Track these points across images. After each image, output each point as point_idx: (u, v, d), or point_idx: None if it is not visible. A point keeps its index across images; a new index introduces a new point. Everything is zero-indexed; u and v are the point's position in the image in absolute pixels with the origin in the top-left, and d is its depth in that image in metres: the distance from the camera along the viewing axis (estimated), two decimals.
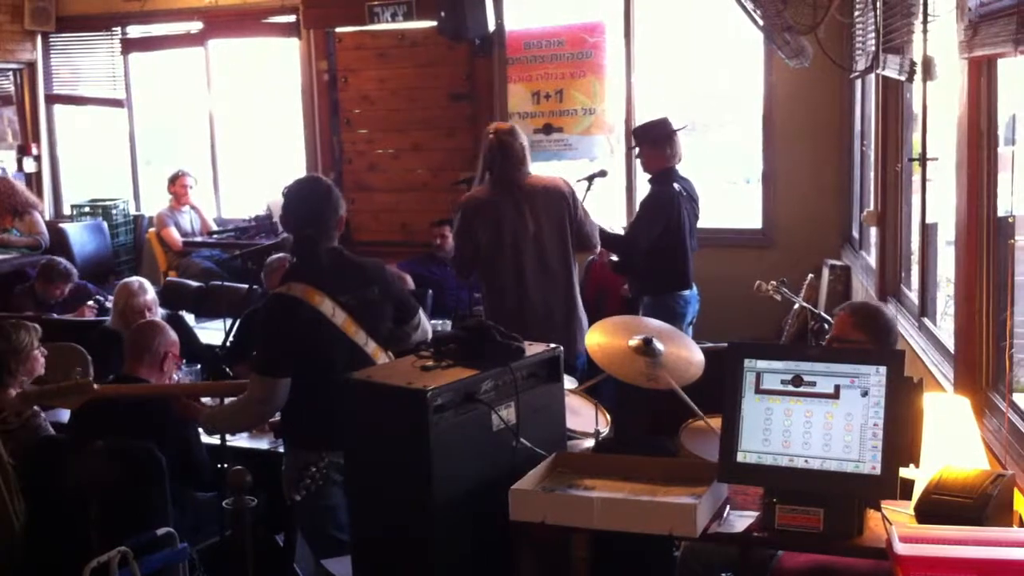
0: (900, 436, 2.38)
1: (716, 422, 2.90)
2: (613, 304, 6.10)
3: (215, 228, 8.78)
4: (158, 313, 5.32)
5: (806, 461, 2.43)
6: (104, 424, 3.78)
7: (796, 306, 5.38)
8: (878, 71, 4.50)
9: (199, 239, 8.56)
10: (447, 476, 2.57)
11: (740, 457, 2.49)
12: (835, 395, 2.43)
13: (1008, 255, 3.12)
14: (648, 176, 5.51)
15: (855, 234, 6.44)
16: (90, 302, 6.54)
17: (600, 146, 7.49)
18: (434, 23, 7.25)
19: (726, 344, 2.70)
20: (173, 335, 4.22)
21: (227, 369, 4.65)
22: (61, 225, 8.92)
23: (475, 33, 7.17)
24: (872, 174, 5.50)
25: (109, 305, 5.86)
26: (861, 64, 5.02)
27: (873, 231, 5.39)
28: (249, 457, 4.00)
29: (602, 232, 5.03)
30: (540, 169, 4.76)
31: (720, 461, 2.52)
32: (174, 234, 8.44)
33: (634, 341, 3.61)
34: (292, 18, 8.33)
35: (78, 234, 8.80)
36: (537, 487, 2.64)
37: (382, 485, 2.68)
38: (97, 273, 8.34)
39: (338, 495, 3.32)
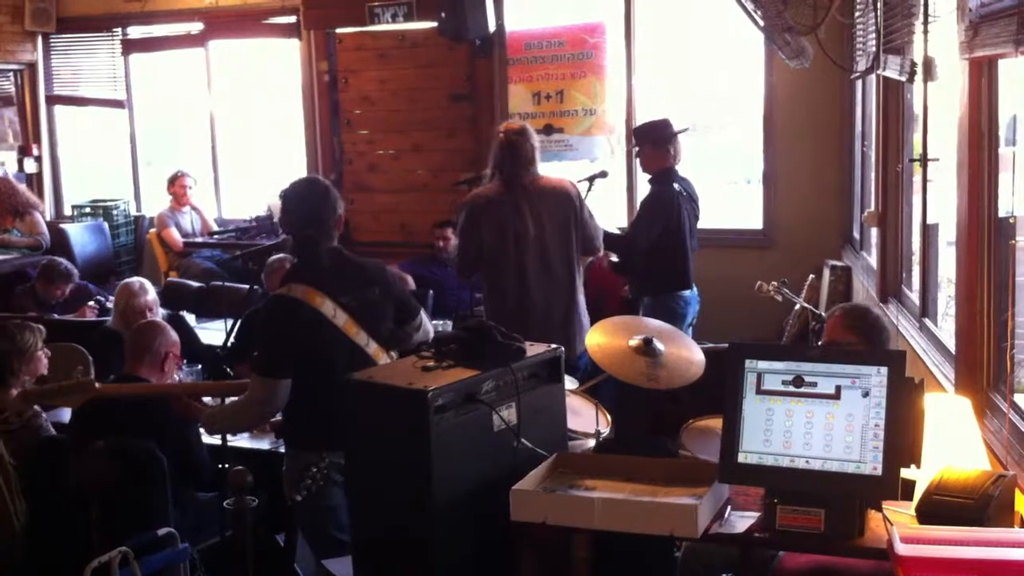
0: (901, 437, 2.38)
1: (717, 422, 2.90)
2: (613, 305, 6.09)
3: (216, 229, 8.78)
4: (159, 313, 5.32)
5: (807, 462, 2.43)
6: (105, 424, 3.78)
7: (797, 307, 5.37)
8: (879, 72, 4.50)
9: (200, 239, 8.57)
10: (448, 476, 2.57)
11: (741, 458, 2.49)
12: (836, 396, 2.44)
13: (1009, 256, 3.12)
14: (648, 176, 5.52)
15: (856, 235, 6.43)
16: (91, 302, 6.55)
17: (601, 147, 7.49)
18: (434, 24, 7.25)
19: (727, 344, 2.70)
20: (174, 335, 4.22)
21: (228, 369, 4.65)
22: (62, 226, 8.92)
23: (475, 34, 7.17)
24: (873, 175, 5.50)
25: (110, 305, 5.86)
26: (862, 65, 5.01)
27: (874, 232, 5.39)
28: (250, 457, 4.00)
29: (603, 233, 5.03)
30: (540, 170, 4.75)
31: (721, 462, 2.52)
32: (175, 235, 8.44)
33: (634, 341, 3.62)
34: (292, 19, 8.34)
35: (79, 234, 8.80)
36: (538, 487, 2.64)
37: (383, 485, 2.68)
38: (98, 273, 8.34)
39: (339, 495, 3.32)
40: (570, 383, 3.77)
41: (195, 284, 7.23)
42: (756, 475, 2.49)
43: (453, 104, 7.83)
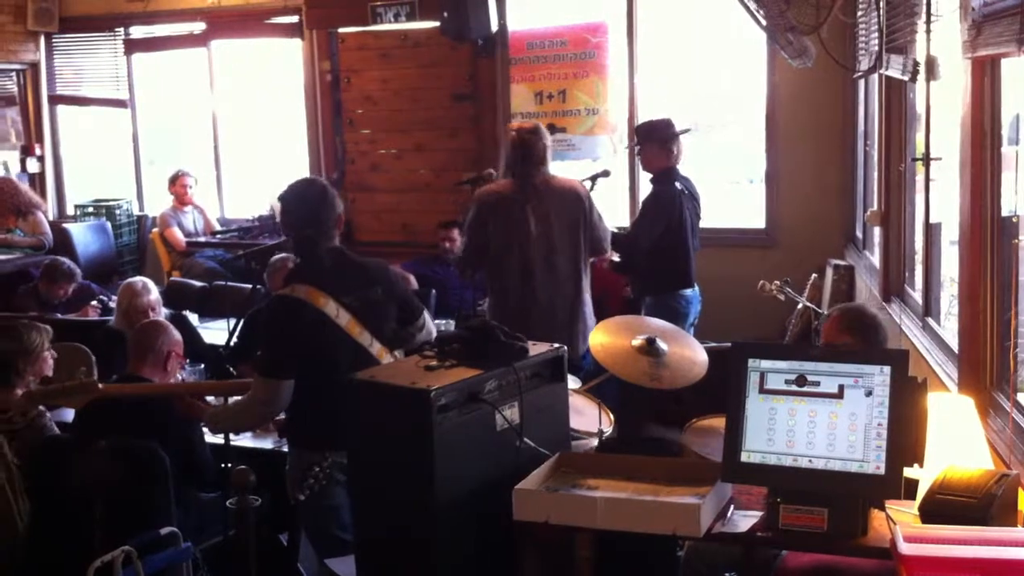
0: (904, 436, 2.37)
1: (720, 422, 2.90)
2: (615, 304, 6.10)
3: (218, 228, 8.79)
4: (162, 313, 5.32)
5: (810, 461, 2.43)
6: (108, 424, 3.78)
7: (800, 306, 5.38)
8: (881, 71, 4.50)
9: (202, 239, 8.57)
10: (451, 476, 2.57)
11: (744, 457, 2.49)
12: (839, 395, 2.43)
13: (1012, 255, 3.12)
14: (649, 176, 5.52)
15: (859, 234, 6.43)
16: (94, 302, 6.55)
17: (603, 146, 7.49)
18: (437, 23, 7.25)
19: (730, 344, 2.70)
20: (177, 335, 4.23)
21: (231, 369, 4.66)
22: (65, 225, 8.94)
23: (478, 33, 7.17)
24: (875, 174, 5.49)
25: (113, 305, 5.86)
26: (864, 64, 5.01)
27: (877, 231, 5.38)
28: (253, 457, 4.00)
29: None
30: (550, 170, 4.77)
31: (724, 461, 2.52)
32: (177, 234, 8.45)
33: (637, 341, 3.61)
34: (295, 19, 8.34)
35: (82, 234, 8.81)
36: (541, 487, 2.64)
37: (386, 485, 2.68)
38: (101, 273, 8.36)
39: (342, 495, 3.32)
40: (573, 382, 3.76)
41: (198, 284, 7.24)
42: (759, 474, 2.49)
43: (455, 104, 7.83)
